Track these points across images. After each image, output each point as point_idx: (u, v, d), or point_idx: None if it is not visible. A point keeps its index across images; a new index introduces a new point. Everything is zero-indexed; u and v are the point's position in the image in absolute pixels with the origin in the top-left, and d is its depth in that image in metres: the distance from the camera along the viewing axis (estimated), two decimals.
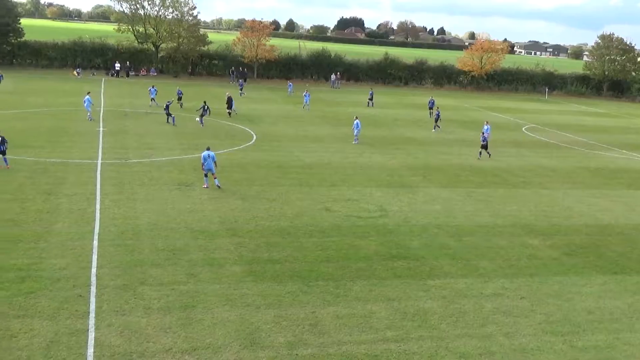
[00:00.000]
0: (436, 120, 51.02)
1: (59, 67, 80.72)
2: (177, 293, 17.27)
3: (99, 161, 31.81)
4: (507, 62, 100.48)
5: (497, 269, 20.70)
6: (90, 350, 14.06)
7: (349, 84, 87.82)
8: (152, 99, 53.30)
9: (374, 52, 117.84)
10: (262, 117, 51.85)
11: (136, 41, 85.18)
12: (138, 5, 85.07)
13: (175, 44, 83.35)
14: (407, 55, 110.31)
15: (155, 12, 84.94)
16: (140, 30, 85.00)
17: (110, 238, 21.07)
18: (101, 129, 40.74)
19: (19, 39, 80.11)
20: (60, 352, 13.90)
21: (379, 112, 59.90)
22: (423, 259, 21.19)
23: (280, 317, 16.36)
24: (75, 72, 76.12)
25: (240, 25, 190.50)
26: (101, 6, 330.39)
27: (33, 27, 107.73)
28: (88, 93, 46.09)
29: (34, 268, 18.22)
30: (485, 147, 39.47)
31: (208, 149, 28.30)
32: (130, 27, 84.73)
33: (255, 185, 29.33)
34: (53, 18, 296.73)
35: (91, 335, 14.69)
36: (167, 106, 45.01)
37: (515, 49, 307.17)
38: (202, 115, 44.89)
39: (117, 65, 78.79)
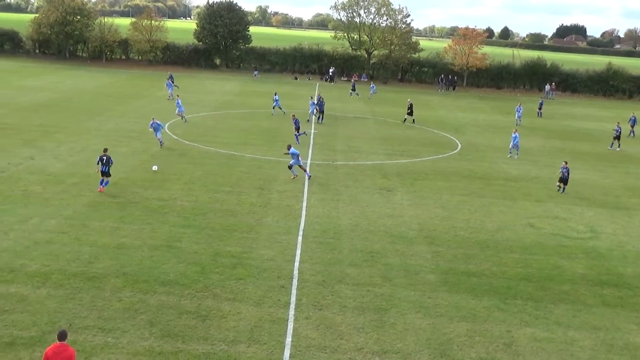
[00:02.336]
0: (616, 138, 44.20)
1: (279, 71, 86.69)
2: (372, 295, 17.66)
3: (309, 161, 33.55)
4: None
5: None
6: (289, 340, 14.94)
7: (564, 95, 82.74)
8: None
9: (595, 62, 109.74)
10: (468, 125, 50.95)
11: (350, 48, 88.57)
12: (354, 14, 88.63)
13: (387, 51, 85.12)
14: (634, 65, 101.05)
15: (370, 20, 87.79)
16: (355, 37, 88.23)
17: (314, 235, 22.15)
18: (312, 131, 42.94)
19: (246, 45, 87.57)
20: (262, 336, 14.96)
21: (595, 126, 55.69)
22: (637, 289, 19.34)
23: (473, 331, 15.99)
24: (254, 75, 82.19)
25: (452, 32, 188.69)
26: (320, 14, 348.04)
27: (259, 34, 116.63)
28: (275, 93, 50.14)
29: (245, 256, 19.79)
30: None
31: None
32: (345, 34, 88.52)
33: (457, 194, 28.92)
34: (277, 26, 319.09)
35: (290, 325, 15.60)
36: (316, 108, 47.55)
37: None
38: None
39: (331, 71, 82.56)
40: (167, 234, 21.21)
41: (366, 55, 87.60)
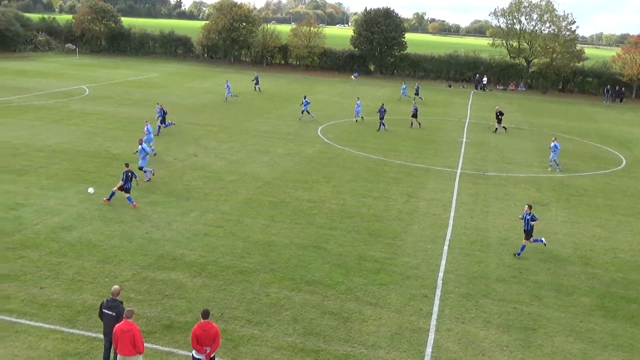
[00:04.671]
0: None
1: (433, 78, 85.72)
2: (518, 312, 16.97)
3: (459, 171, 32.92)
4: None
5: None
6: (429, 350, 14.76)
7: None
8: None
9: None
10: (636, 140, 47.20)
11: (508, 56, 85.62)
12: (515, 20, 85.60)
13: (547, 60, 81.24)
14: None
15: (531, 27, 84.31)
16: (514, 45, 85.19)
17: (460, 246, 21.70)
18: (464, 140, 42.06)
19: (401, 52, 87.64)
20: (402, 344, 14.92)
21: None
22: None
23: None
24: (352, 77, 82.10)
25: (623, 40, 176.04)
26: (479, 21, 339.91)
27: (414, 41, 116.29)
28: (304, 97, 48.10)
29: (389, 262, 19.84)
30: None
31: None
32: (504, 41, 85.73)
33: (619, 214, 26.95)
34: (433, 33, 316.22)
35: (431, 336, 15.41)
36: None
37: None
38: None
39: (485, 79, 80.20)
40: (314, 235, 21.81)
41: (525, 64, 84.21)
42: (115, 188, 23.78)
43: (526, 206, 21.35)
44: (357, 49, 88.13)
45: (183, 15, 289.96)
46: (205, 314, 12.05)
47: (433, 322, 16.11)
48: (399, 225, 23.51)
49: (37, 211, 22.48)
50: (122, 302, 12.61)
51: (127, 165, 24.00)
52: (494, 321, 16.39)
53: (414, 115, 45.81)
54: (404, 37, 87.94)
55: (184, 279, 17.66)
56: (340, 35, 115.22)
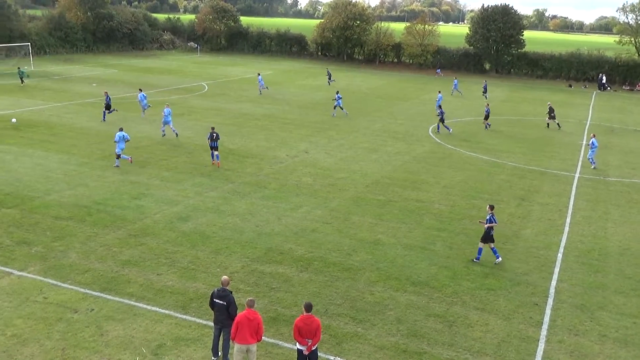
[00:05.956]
0: None
1: (552, 78, 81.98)
2: (638, 328, 15.93)
3: (577, 175, 31.36)
4: None
5: None
6: None
7: None
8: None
9: None
10: None
11: (637, 54, 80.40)
12: None
13: None
14: None
15: None
16: None
17: (576, 254, 20.67)
18: (584, 142, 39.97)
19: (519, 50, 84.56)
20: (509, 353, 14.44)
21: None
22: None
23: None
24: (437, 72, 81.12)
25: None
26: (605, 17, 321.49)
27: (533, 39, 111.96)
28: (337, 92, 46.90)
29: (498, 267, 19.24)
30: None
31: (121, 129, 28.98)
32: (632, 39, 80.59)
33: None
34: (554, 30, 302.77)
35: (540, 346, 14.80)
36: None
37: None
38: None
39: (603, 78, 75.49)
40: (421, 235, 21.57)
41: None
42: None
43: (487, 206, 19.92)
44: (472, 47, 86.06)
45: (299, 14, 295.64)
46: (308, 307, 12.25)
47: (543, 332, 15.47)
48: (509, 229, 22.75)
49: (157, 201, 23.76)
50: (231, 292, 13.07)
51: (212, 128, 29.68)
52: (610, 335, 15.49)
53: (487, 117, 43.40)
54: (522, 35, 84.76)
55: (291, 273, 18.03)
56: (455, 33, 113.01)
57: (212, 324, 13.78)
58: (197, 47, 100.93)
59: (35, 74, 62.42)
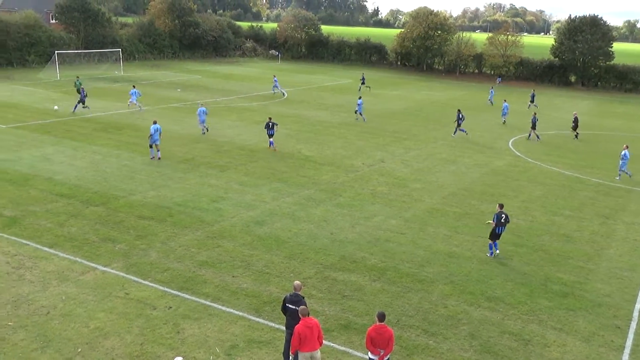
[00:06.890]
0: None
1: None
2: None
3: None
4: None
5: None
6: None
7: None
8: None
9: None
10: None
11: None
12: None
13: None
14: None
15: None
16: None
17: None
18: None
19: (607, 63, 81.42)
20: None
21: None
22: None
23: None
24: (497, 81, 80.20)
25: None
26: None
27: (623, 51, 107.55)
28: (359, 97, 45.73)
29: (578, 287, 18.58)
30: None
31: (155, 122, 30.67)
32: None
33: None
34: None
35: None
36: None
37: None
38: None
39: None
40: (498, 250, 21.09)
41: None
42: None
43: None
44: (557, 59, 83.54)
45: (379, 23, 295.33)
46: (382, 317, 12.22)
47: (625, 357, 14.81)
48: (592, 248, 21.92)
49: (235, 205, 24.31)
50: (303, 297, 13.22)
51: (270, 118, 34.17)
52: None
53: (533, 127, 42.04)
54: (612, 47, 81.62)
55: (363, 281, 18.04)
56: (539, 45, 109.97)
57: (284, 328, 13.97)
58: (278, 55, 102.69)
59: (123, 78, 65.22)
